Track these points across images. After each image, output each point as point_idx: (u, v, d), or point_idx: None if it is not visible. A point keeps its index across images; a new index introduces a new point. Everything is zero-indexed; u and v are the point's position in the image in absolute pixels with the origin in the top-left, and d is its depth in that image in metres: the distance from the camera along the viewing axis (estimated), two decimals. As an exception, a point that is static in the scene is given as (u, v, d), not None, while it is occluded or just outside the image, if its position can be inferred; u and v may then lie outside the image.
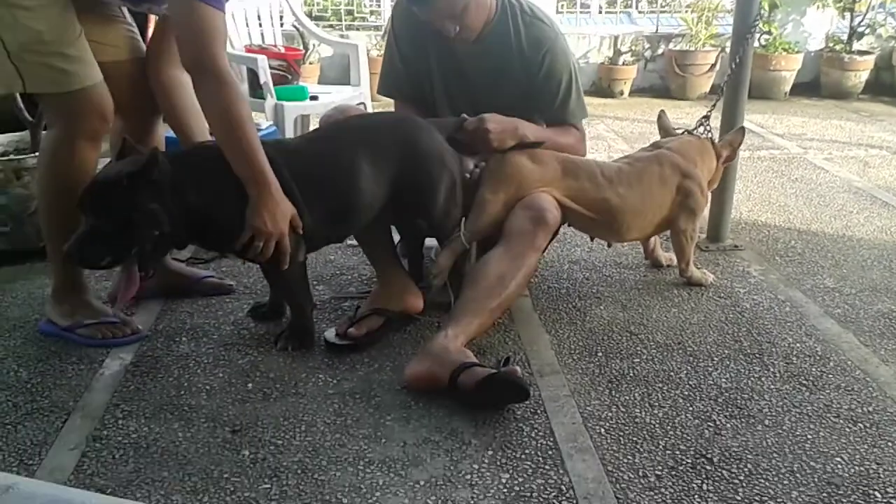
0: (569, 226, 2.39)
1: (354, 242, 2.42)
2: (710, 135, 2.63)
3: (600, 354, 2.12)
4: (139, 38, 2.26)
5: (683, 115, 5.09)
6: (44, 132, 2.44)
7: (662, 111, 2.74)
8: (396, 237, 2.36)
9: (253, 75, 3.55)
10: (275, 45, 3.99)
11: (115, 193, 1.79)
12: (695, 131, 2.62)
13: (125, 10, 2.20)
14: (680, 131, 2.65)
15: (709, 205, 2.72)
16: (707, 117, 2.65)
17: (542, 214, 2.15)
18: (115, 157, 1.93)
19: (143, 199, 1.79)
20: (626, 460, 1.66)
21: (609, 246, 2.68)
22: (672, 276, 2.62)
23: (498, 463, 1.65)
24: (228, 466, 1.63)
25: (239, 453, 1.67)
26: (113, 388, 1.92)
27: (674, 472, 1.63)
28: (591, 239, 2.56)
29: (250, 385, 1.93)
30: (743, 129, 2.68)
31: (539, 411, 1.84)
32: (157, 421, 1.78)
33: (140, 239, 1.83)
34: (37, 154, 2.54)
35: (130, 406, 1.84)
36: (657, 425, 1.79)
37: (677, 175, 2.41)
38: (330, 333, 2.13)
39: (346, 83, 4.19)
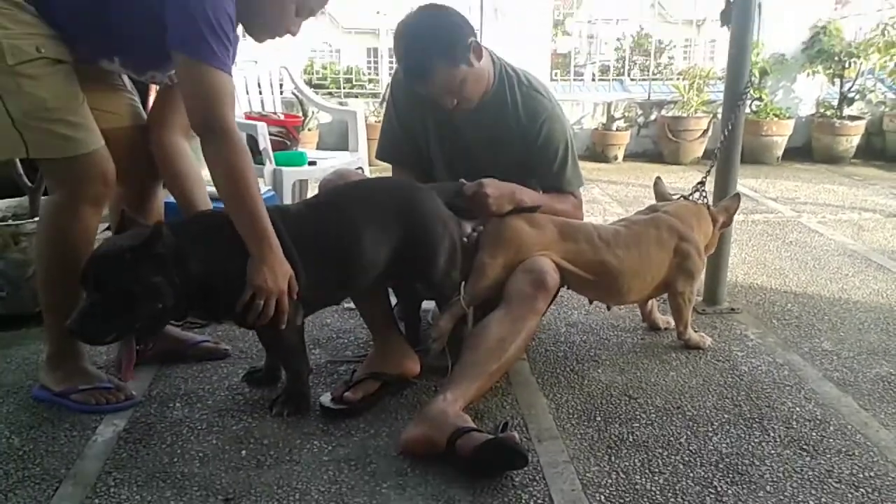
0: (567, 288, 2.40)
1: (351, 305, 2.41)
2: (705, 200, 2.66)
3: (599, 419, 2.10)
4: (140, 106, 2.30)
5: (677, 179, 5.16)
6: (43, 197, 2.46)
7: (658, 178, 2.77)
8: (394, 300, 2.36)
9: (252, 141, 3.59)
10: (274, 112, 4.06)
11: (118, 268, 1.78)
12: (690, 197, 2.65)
13: (126, 78, 2.25)
14: (676, 197, 2.67)
15: (705, 268, 2.73)
16: (702, 183, 2.69)
17: (542, 278, 2.16)
18: (114, 229, 1.93)
19: (146, 274, 1.78)
20: (626, 528, 1.64)
21: (608, 309, 2.68)
22: (670, 340, 2.61)
23: (496, 531, 1.62)
24: (221, 536, 1.60)
25: (232, 522, 1.64)
26: (105, 455, 1.89)
27: (675, 541, 1.60)
28: (590, 301, 2.57)
29: (244, 452, 1.91)
30: (738, 195, 2.71)
31: (538, 478, 1.81)
32: (149, 489, 1.75)
33: (143, 313, 1.81)
34: (35, 219, 2.56)
35: (123, 474, 1.81)
36: (658, 492, 1.76)
37: (674, 238, 2.43)
38: (325, 398, 2.11)
39: (345, 149, 4.24)
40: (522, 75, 2.43)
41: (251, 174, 1.93)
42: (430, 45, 2.20)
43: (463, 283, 2.18)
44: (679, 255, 2.43)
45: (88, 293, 1.80)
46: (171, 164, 2.24)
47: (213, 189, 2.13)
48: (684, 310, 2.48)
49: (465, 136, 2.43)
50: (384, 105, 5.91)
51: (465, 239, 2.25)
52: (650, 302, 2.66)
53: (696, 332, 2.56)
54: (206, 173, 2.05)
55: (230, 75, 1.91)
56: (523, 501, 1.72)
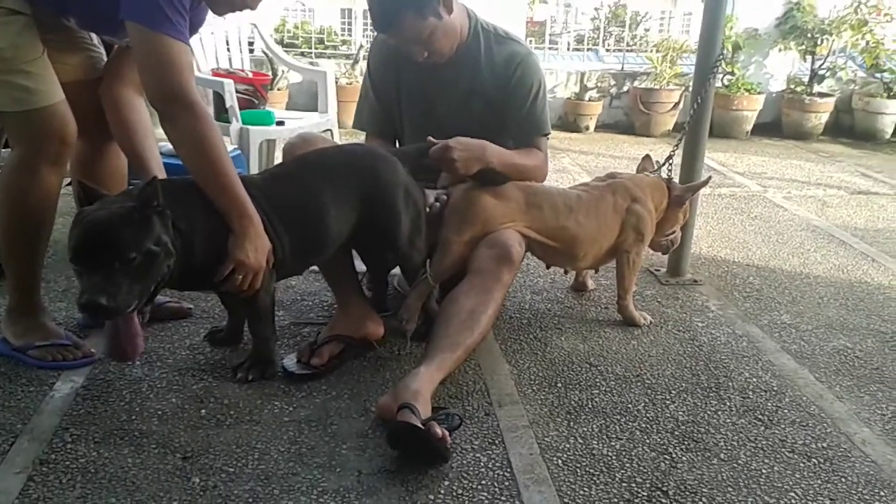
0: (529, 255, 2.41)
1: (315, 268, 2.40)
2: (670, 174, 2.68)
3: (560, 385, 2.12)
4: (103, 59, 2.23)
5: (647, 151, 5.15)
6: (5, 149, 2.40)
7: (647, 155, 2.79)
8: (361, 267, 2.35)
9: (219, 99, 3.53)
10: (242, 70, 3.99)
11: (131, 231, 1.66)
12: (659, 171, 2.68)
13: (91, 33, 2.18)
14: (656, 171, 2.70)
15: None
16: (671, 157, 2.71)
17: (506, 252, 2.15)
18: (79, 202, 1.79)
19: (158, 231, 1.69)
20: (582, 492, 1.66)
21: (565, 273, 2.71)
22: (633, 310, 2.63)
23: (454, 493, 1.63)
24: (178, 494, 1.59)
25: (189, 480, 1.63)
26: (63, 411, 1.87)
27: (629, 505, 1.62)
28: (547, 266, 2.58)
29: (203, 411, 1.90)
30: (710, 178, 2.72)
31: (497, 441, 1.83)
32: (106, 446, 1.74)
33: (159, 274, 1.72)
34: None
35: (80, 430, 1.80)
36: (614, 457, 1.79)
37: (627, 200, 2.45)
38: (290, 362, 2.10)
39: (315, 110, 4.19)
40: (500, 29, 2.44)
41: (222, 147, 1.86)
42: None
43: (428, 260, 2.18)
44: (630, 215, 2.44)
45: (92, 267, 1.64)
46: (119, 111, 2.12)
47: (165, 144, 2.07)
48: (628, 274, 2.48)
49: (436, 97, 2.42)
50: (355, 68, 5.88)
51: (427, 209, 2.23)
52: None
53: (637, 310, 2.55)
54: (160, 132, 1.97)
55: (186, 45, 1.85)
56: (482, 464, 1.74)
